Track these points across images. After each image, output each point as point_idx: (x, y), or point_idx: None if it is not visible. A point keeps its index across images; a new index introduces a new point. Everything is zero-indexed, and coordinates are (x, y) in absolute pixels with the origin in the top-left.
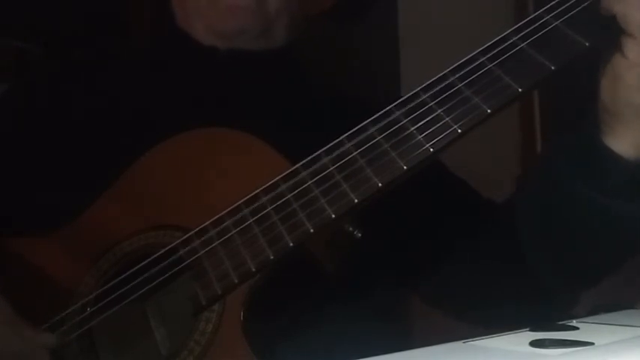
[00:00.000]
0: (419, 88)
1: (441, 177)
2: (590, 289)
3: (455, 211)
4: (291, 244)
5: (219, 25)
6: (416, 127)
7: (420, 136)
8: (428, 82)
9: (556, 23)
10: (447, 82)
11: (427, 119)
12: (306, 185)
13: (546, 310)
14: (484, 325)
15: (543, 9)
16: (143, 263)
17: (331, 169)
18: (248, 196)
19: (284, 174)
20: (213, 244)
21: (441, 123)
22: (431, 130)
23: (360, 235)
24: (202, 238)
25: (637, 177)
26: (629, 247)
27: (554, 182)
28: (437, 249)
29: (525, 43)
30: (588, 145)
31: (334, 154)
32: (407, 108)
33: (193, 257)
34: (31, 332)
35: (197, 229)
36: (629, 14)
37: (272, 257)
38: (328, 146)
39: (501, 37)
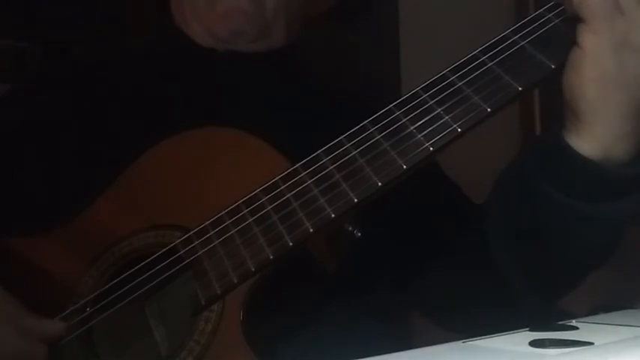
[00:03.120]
0: (418, 87)
1: (434, 180)
2: (564, 293)
3: (447, 215)
4: (291, 244)
5: (217, 28)
6: (415, 126)
7: (419, 135)
8: (427, 81)
9: (556, 22)
10: (447, 81)
11: (427, 118)
12: (305, 185)
13: (519, 315)
14: (469, 332)
15: (544, 7)
16: (142, 263)
17: (331, 168)
18: (247, 196)
19: (283, 173)
20: (213, 244)
21: (440, 122)
22: (430, 129)
23: (359, 234)
24: (202, 238)
25: (602, 177)
26: (598, 250)
27: (522, 182)
28: (430, 251)
29: (525, 41)
30: (554, 144)
31: (334, 154)
32: (406, 107)
33: (193, 257)
34: (35, 322)
35: (196, 228)
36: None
37: (271, 257)
38: (328, 146)
39: (501, 36)
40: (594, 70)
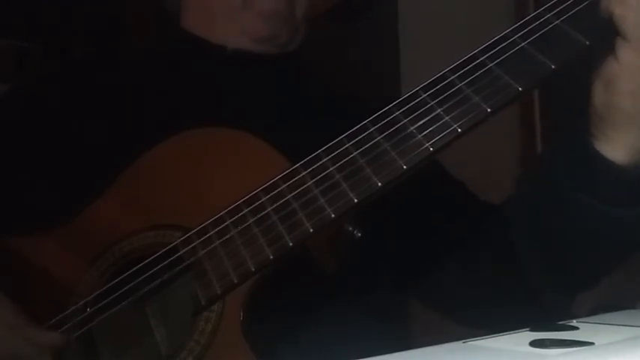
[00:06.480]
0: (418, 87)
1: (439, 178)
2: (586, 291)
3: (452, 213)
4: (291, 244)
5: (256, 29)
6: (415, 126)
7: (419, 136)
8: (427, 81)
9: (556, 22)
10: (447, 81)
11: (427, 118)
12: (305, 185)
13: (541, 311)
14: (481, 326)
15: (544, 7)
16: (143, 263)
17: (331, 168)
18: (248, 196)
19: (284, 173)
20: (213, 244)
21: (440, 122)
22: (430, 129)
23: (359, 234)
24: (202, 238)
25: (630, 181)
26: (623, 250)
27: (550, 187)
28: (434, 250)
29: (526, 42)
30: (582, 150)
31: (334, 154)
32: (406, 107)
33: (193, 257)
34: (35, 332)
35: (197, 228)
36: (626, 15)
37: (271, 257)
38: (328, 146)
39: (501, 36)
40: (631, 82)
